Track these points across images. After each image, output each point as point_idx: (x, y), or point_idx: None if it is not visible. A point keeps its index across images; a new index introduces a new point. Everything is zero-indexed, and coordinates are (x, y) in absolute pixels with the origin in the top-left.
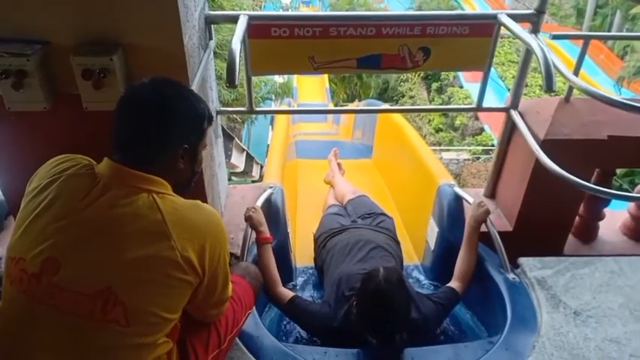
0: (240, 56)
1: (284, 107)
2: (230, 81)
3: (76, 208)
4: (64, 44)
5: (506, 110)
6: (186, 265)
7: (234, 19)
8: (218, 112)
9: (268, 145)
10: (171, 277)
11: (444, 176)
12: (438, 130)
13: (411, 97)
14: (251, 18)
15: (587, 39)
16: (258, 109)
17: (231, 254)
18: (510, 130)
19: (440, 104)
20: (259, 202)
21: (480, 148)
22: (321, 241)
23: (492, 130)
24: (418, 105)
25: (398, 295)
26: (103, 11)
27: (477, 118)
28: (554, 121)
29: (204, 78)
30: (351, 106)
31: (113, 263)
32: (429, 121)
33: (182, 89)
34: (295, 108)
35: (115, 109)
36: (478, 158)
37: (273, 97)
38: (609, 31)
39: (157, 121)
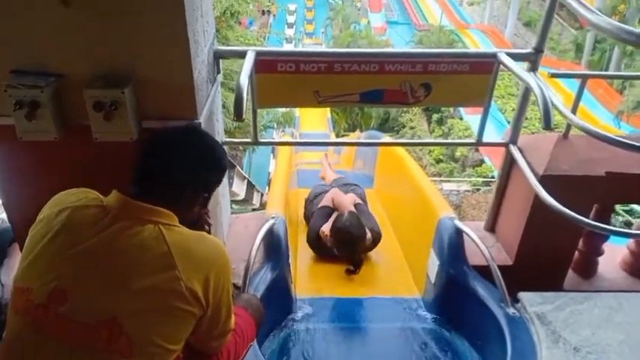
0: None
1: (287, 138)
2: (237, 115)
3: (83, 239)
4: (78, 77)
5: (505, 145)
6: (191, 297)
7: (242, 55)
8: (223, 144)
9: (269, 173)
10: (176, 308)
11: (444, 209)
12: (438, 161)
13: (412, 128)
14: (258, 54)
15: (584, 77)
16: (262, 140)
17: (233, 285)
18: (510, 165)
19: (440, 135)
20: (261, 233)
21: (480, 179)
22: (311, 199)
23: (492, 161)
24: (419, 137)
25: (356, 231)
26: (117, 46)
27: (476, 150)
28: (553, 157)
29: (212, 110)
30: (352, 137)
31: (119, 294)
32: (430, 151)
33: (215, 142)
34: (298, 140)
35: (148, 144)
36: (478, 189)
37: (275, 126)
38: (608, 65)
39: (189, 170)
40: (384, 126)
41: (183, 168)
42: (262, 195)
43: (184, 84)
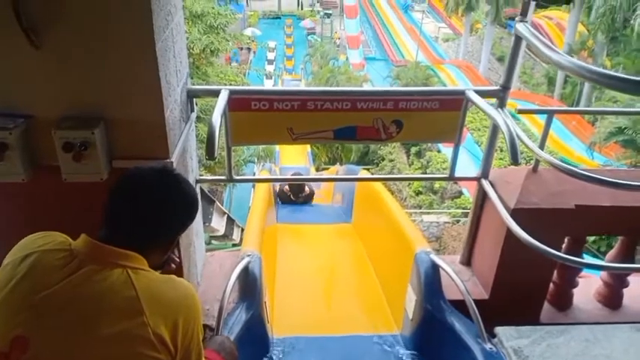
0: (220, 127)
1: (264, 174)
2: (209, 154)
3: (49, 284)
4: (47, 118)
5: (477, 179)
6: (159, 343)
7: (215, 93)
8: (197, 181)
9: (250, 208)
10: (143, 355)
11: (420, 243)
12: (417, 193)
13: (391, 161)
14: (232, 92)
15: (550, 114)
16: (237, 177)
17: (207, 326)
18: (482, 199)
19: (419, 168)
20: (236, 272)
21: (460, 211)
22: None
23: (470, 193)
24: (398, 170)
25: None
26: (87, 87)
27: (455, 182)
28: (524, 190)
29: (185, 148)
30: (331, 171)
31: (84, 341)
32: (409, 184)
33: (187, 185)
34: (276, 176)
35: (117, 186)
36: (458, 221)
37: (256, 160)
38: (579, 98)
39: (159, 214)
40: (365, 159)
41: (153, 212)
42: (242, 230)
43: (156, 124)
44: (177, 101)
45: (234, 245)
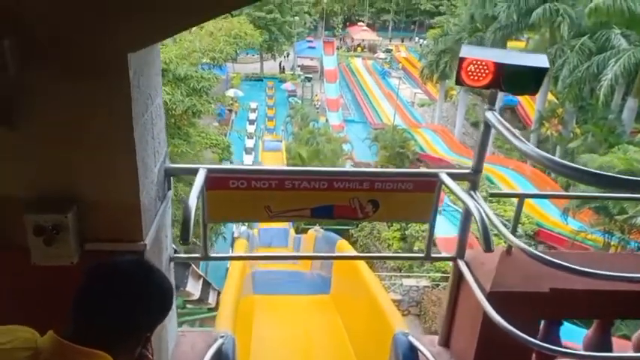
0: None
1: (241, 243)
2: (183, 239)
3: None
4: (18, 198)
5: (453, 259)
6: None
7: (193, 172)
8: (171, 259)
9: (227, 269)
10: None
11: (399, 324)
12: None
13: (371, 222)
14: (210, 171)
15: (522, 197)
16: (213, 255)
17: None
18: (458, 279)
19: (397, 230)
20: (209, 355)
21: (439, 275)
22: None
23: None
24: (378, 232)
25: None
26: (62, 170)
27: (434, 245)
28: (499, 272)
29: (160, 227)
30: (309, 235)
31: None
32: (389, 245)
33: (161, 279)
34: (253, 252)
35: (89, 278)
36: (437, 285)
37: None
38: None
39: (130, 312)
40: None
41: (124, 310)
42: (219, 293)
43: (131, 206)
44: (153, 182)
45: (209, 310)
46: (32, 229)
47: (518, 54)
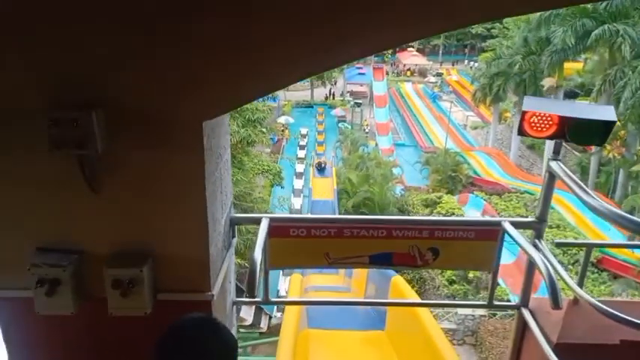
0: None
1: (296, 287)
2: (250, 293)
3: None
4: (98, 254)
5: (517, 308)
6: None
7: (256, 221)
8: (233, 303)
9: (278, 292)
10: None
11: None
12: (451, 282)
13: None
14: (272, 220)
15: (589, 247)
16: (273, 299)
17: None
18: (522, 329)
19: None
20: None
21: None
22: None
23: (507, 284)
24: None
25: None
26: (139, 227)
27: (489, 272)
28: (566, 323)
29: (226, 275)
30: (361, 272)
31: None
32: (442, 272)
33: (229, 336)
34: (307, 299)
35: (158, 350)
36: (494, 314)
37: None
38: (615, 188)
39: None
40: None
41: None
42: (270, 317)
43: (200, 259)
44: (220, 233)
45: (261, 334)
46: (111, 283)
47: (584, 106)
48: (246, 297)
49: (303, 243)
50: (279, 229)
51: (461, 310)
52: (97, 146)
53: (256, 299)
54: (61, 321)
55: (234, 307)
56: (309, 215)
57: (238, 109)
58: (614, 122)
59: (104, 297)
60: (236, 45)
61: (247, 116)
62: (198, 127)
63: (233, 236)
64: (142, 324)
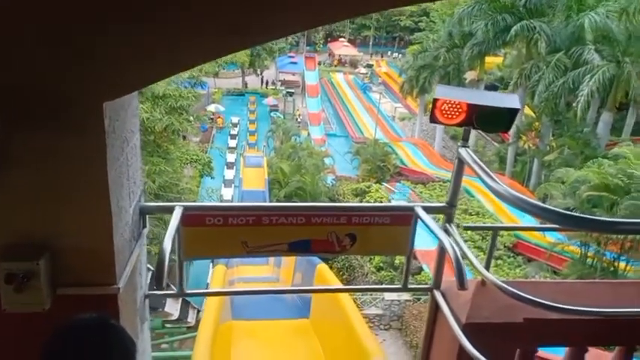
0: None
1: (219, 278)
2: (158, 284)
3: None
4: None
5: (429, 290)
6: None
7: (169, 210)
8: (146, 297)
9: (207, 285)
10: None
11: (376, 353)
12: (379, 269)
13: None
14: (186, 208)
15: (495, 230)
16: (188, 291)
17: None
18: (435, 309)
19: None
20: None
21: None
22: None
23: (430, 269)
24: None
25: None
26: (35, 217)
27: (415, 258)
28: (474, 304)
29: (135, 267)
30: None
31: None
32: (370, 259)
33: (128, 345)
34: (227, 289)
35: (48, 348)
36: (419, 299)
37: None
38: (529, 176)
39: None
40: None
41: None
42: (198, 311)
43: (103, 249)
44: (128, 223)
45: (188, 329)
46: (4, 277)
47: (491, 95)
48: (155, 289)
49: (219, 232)
50: (193, 218)
51: (387, 296)
52: None
53: (171, 292)
54: None
55: (146, 300)
56: (226, 204)
57: (161, 95)
58: (517, 109)
59: None
60: (136, 19)
61: (170, 103)
62: (98, 108)
63: (144, 226)
64: (42, 321)
